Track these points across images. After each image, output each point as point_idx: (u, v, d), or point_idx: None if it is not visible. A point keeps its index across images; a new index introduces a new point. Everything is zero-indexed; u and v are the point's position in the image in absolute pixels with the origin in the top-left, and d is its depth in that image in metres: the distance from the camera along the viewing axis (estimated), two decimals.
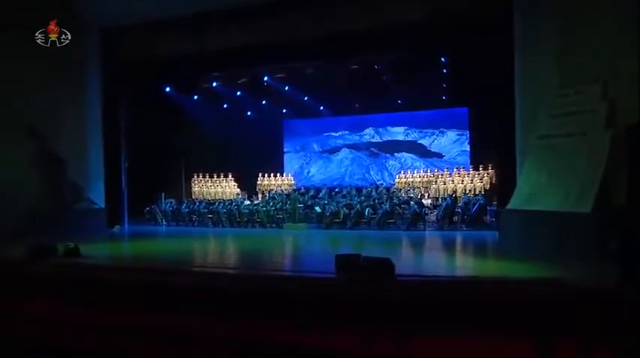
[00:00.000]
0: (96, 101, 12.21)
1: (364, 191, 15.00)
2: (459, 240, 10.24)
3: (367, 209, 12.53)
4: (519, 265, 6.35)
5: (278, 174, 18.06)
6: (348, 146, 18.84)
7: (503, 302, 4.35)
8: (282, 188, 16.92)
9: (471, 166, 15.46)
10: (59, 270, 6.14)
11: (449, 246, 9.39)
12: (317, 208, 13.38)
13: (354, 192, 14.98)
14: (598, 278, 4.80)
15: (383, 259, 5.29)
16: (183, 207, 14.74)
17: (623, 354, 3.76)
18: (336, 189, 15.85)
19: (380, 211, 12.39)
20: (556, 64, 7.71)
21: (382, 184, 17.00)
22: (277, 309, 4.70)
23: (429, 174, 15.88)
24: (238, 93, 15.75)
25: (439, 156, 17.40)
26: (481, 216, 11.99)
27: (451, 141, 17.26)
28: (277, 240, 10.88)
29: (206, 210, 14.32)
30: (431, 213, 13.10)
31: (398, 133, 18.15)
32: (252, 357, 4.49)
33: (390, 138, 18.27)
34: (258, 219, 13.54)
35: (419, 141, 17.81)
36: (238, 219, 13.68)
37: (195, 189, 17.59)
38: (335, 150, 19.07)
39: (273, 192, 16.47)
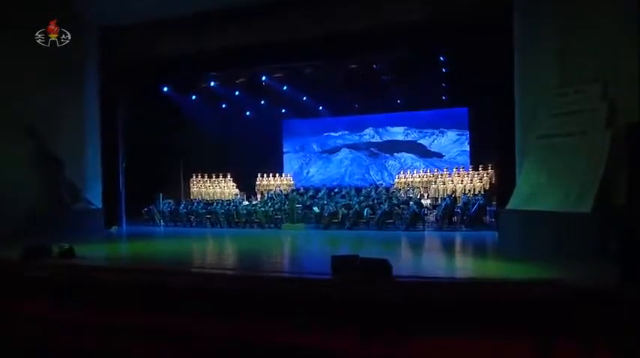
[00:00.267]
0: (94, 101, 12.19)
1: (363, 191, 14.98)
2: (458, 240, 10.21)
3: (366, 209, 12.50)
4: (519, 266, 6.33)
5: (277, 175, 18.03)
6: (348, 146, 18.82)
7: (503, 302, 4.33)
8: (281, 188, 16.89)
9: (470, 166, 15.45)
10: (53, 271, 6.11)
11: (448, 247, 9.36)
12: (315, 208, 13.35)
13: (353, 192, 14.95)
14: (598, 278, 4.77)
15: (380, 260, 5.26)
16: (181, 207, 14.71)
17: (624, 354, 3.74)
18: (336, 190, 15.82)
19: (379, 211, 12.36)
20: (556, 64, 7.69)
21: (382, 184, 16.98)
22: (274, 310, 4.68)
23: (428, 174, 15.86)
24: (237, 93, 15.72)
25: (439, 156, 17.38)
26: (480, 216, 11.97)
27: (451, 141, 17.24)
28: (274, 241, 10.82)
29: (204, 211, 14.30)
30: (430, 213, 13.07)
31: (398, 133, 18.13)
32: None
33: (389, 138, 18.25)
34: (256, 220, 13.51)
35: (419, 141, 17.80)
36: (236, 220, 13.65)
37: (194, 189, 17.55)
38: (335, 150, 19.04)
39: (272, 192, 16.44)
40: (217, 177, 17.65)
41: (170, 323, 4.85)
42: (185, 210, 14.51)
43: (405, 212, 12.28)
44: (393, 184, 16.49)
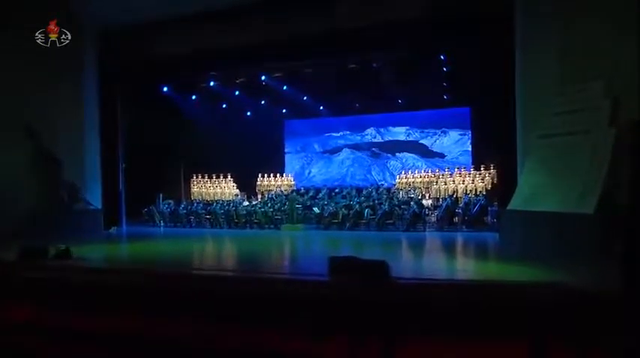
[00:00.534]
0: (94, 101, 12.19)
1: (364, 191, 14.90)
2: (458, 241, 10.12)
3: (366, 209, 12.42)
4: (520, 267, 6.24)
5: (277, 175, 17.98)
6: (350, 146, 18.74)
7: (503, 305, 4.26)
8: (282, 188, 16.83)
9: (472, 166, 15.35)
10: (48, 273, 6.05)
11: (448, 248, 9.27)
12: (315, 209, 13.28)
13: (354, 192, 14.87)
14: (601, 280, 4.68)
15: (378, 261, 5.18)
16: (180, 208, 14.67)
17: (624, 356, 3.67)
18: (336, 190, 15.75)
19: (379, 212, 12.28)
20: (558, 62, 7.59)
21: (384, 185, 16.90)
22: (270, 312, 4.61)
23: (429, 174, 15.77)
24: (237, 92, 15.67)
25: (441, 156, 17.27)
26: (482, 216, 11.89)
27: (453, 141, 17.14)
28: (272, 242, 10.71)
29: (204, 211, 14.24)
30: (431, 213, 12.98)
31: (399, 133, 18.04)
32: None
33: (391, 139, 18.16)
34: (255, 220, 13.45)
35: (420, 141, 17.70)
36: (236, 220, 13.59)
37: (195, 189, 17.53)
38: (336, 150, 18.97)
39: (273, 192, 16.37)
40: (218, 177, 17.61)
41: (167, 325, 4.80)
42: (185, 211, 14.47)
43: (406, 212, 12.19)
44: (395, 184, 16.40)
